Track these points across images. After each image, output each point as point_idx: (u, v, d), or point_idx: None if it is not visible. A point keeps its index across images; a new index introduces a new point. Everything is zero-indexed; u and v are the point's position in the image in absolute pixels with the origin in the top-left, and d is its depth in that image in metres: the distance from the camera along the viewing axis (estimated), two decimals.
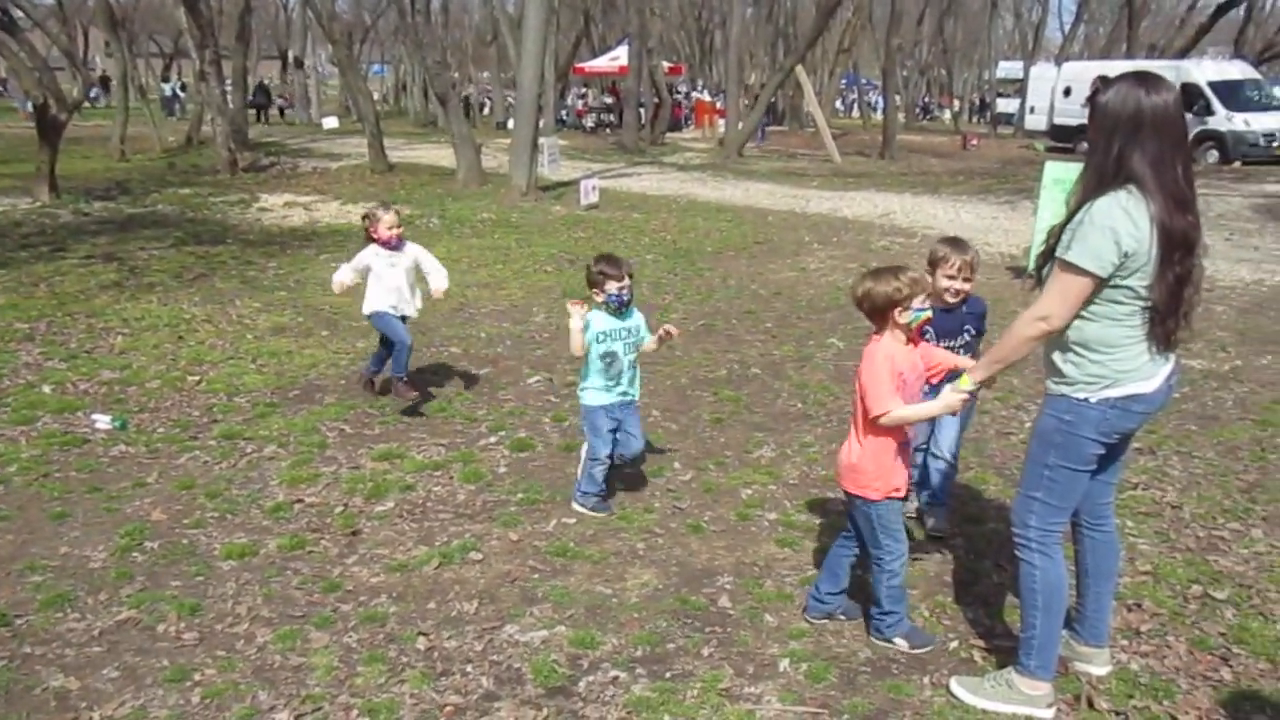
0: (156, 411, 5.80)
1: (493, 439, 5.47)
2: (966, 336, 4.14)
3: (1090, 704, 3.12)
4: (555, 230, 12.62)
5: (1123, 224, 2.68)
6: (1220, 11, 30.23)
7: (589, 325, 4.40)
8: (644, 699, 3.17)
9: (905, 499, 3.49)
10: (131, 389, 6.17)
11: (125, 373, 6.45)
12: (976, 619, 3.67)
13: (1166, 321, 2.78)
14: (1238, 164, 23.65)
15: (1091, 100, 2.90)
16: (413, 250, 5.88)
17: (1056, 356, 2.91)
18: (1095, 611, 3.22)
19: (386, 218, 5.65)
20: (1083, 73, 28.51)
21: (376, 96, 36.01)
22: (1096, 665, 3.28)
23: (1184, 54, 29.93)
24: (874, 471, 3.29)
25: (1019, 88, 39.56)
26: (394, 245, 5.71)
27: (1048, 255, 2.90)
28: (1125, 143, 2.72)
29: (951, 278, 4.04)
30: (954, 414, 3.41)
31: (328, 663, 3.35)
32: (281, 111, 40.82)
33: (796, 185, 18.99)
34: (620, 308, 4.44)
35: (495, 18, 31.66)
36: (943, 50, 47.61)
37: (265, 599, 3.77)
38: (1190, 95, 24.66)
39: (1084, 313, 2.81)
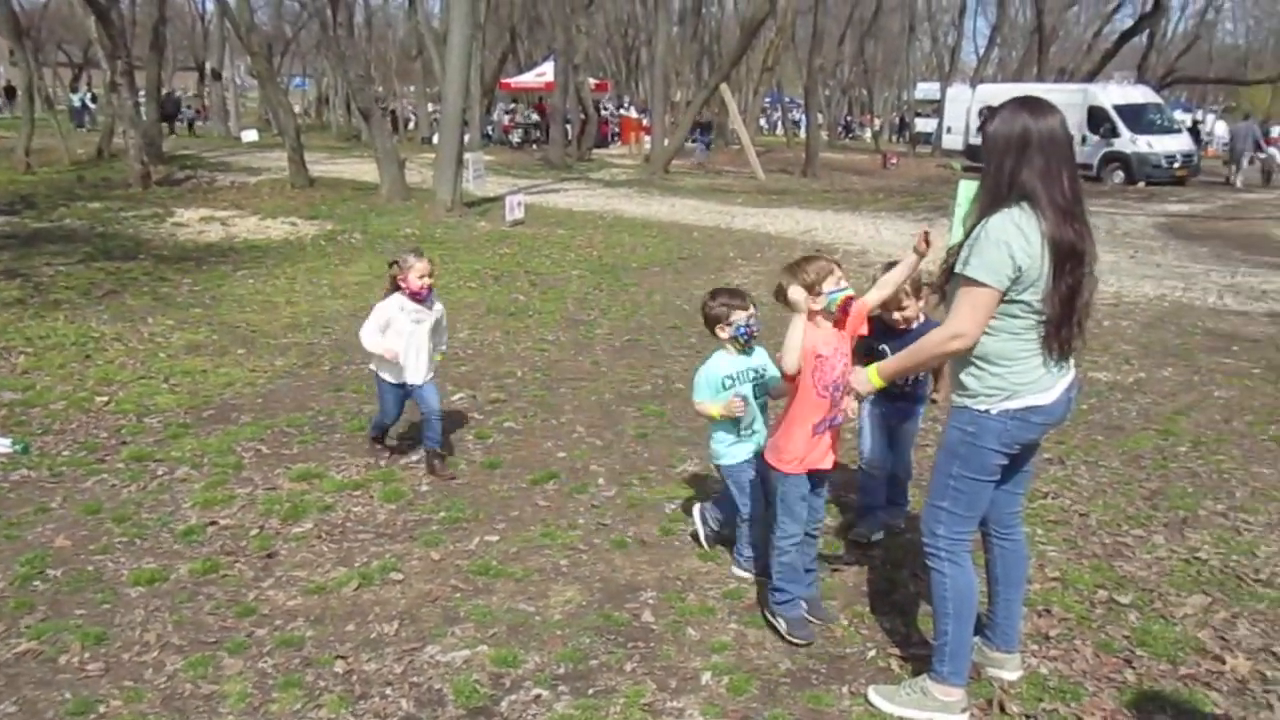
0: (61, 434, 5.60)
1: (414, 457, 5.40)
2: None
3: (1001, 708, 3.20)
4: (480, 246, 12.55)
5: (1015, 239, 2.80)
6: (1125, 38, 31.59)
7: (711, 373, 3.98)
8: (567, 716, 3.16)
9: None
10: (34, 410, 5.94)
11: (28, 394, 6.21)
12: (893, 628, 3.74)
13: (1061, 331, 2.90)
14: (1142, 185, 24.64)
15: (982, 128, 3.03)
16: (439, 306, 5.19)
17: (959, 370, 3.02)
18: (1005, 618, 3.31)
19: (419, 265, 4.91)
20: (997, 94, 29.40)
21: (298, 110, 35.41)
22: (1008, 670, 3.36)
23: (1091, 78, 31.14)
24: (787, 446, 3.52)
25: (936, 108, 40.64)
26: (423, 298, 5.03)
27: (948, 273, 3.02)
28: (1015, 163, 2.85)
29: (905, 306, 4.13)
30: (858, 399, 3.46)
31: (241, 689, 3.27)
32: (190, 124, 39.62)
33: (722, 202, 19.20)
34: (748, 341, 3.98)
35: (420, 32, 31.42)
36: (864, 70, 48.66)
37: (176, 626, 3.66)
38: (1097, 118, 25.68)
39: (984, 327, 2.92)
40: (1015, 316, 2.89)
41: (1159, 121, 26.46)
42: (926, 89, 45.86)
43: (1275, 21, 53.98)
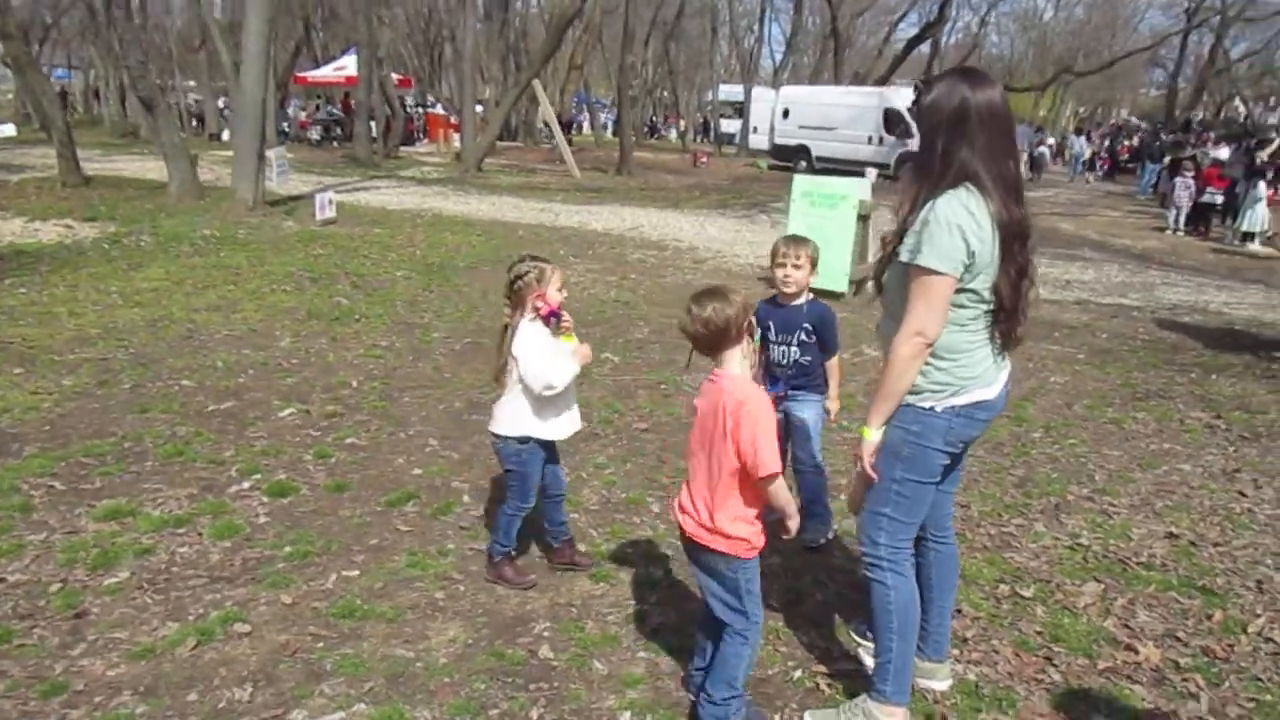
0: None
1: (246, 484, 4.72)
2: (802, 335, 4.08)
3: None
4: (290, 247, 11.59)
5: (967, 222, 2.58)
6: (912, 44, 33.43)
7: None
8: None
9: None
10: None
11: None
12: (811, 641, 3.50)
13: (1009, 319, 2.72)
14: None
15: (917, 101, 2.80)
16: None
17: None
18: (938, 626, 3.13)
19: (557, 274, 3.65)
20: (800, 96, 30.60)
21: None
22: (939, 680, 3.18)
23: (883, 82, 32.82)
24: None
25: (739, 109, 41.75)
26: (559, 316, 3.66)
27: (887, 261, 2.78)
28: (952, 140, 2.62)
29: (781, 265, 4.07)
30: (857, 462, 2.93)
31: None
32: None
33: (542, 199, 18.78)
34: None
35: (204, 22, 29.23)
36: (668, 71, 49.39)
37: None
38: (892, 120, 27.02)
39: None
40: (963, 307, 2.67)
41: None
42: (729, 90, 47.04)
43: (1035, 33, 58.95)
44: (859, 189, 9.71)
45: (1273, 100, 60.35)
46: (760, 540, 2.81)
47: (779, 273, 4.08)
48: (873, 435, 2.80)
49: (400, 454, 5.20)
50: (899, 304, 2.68)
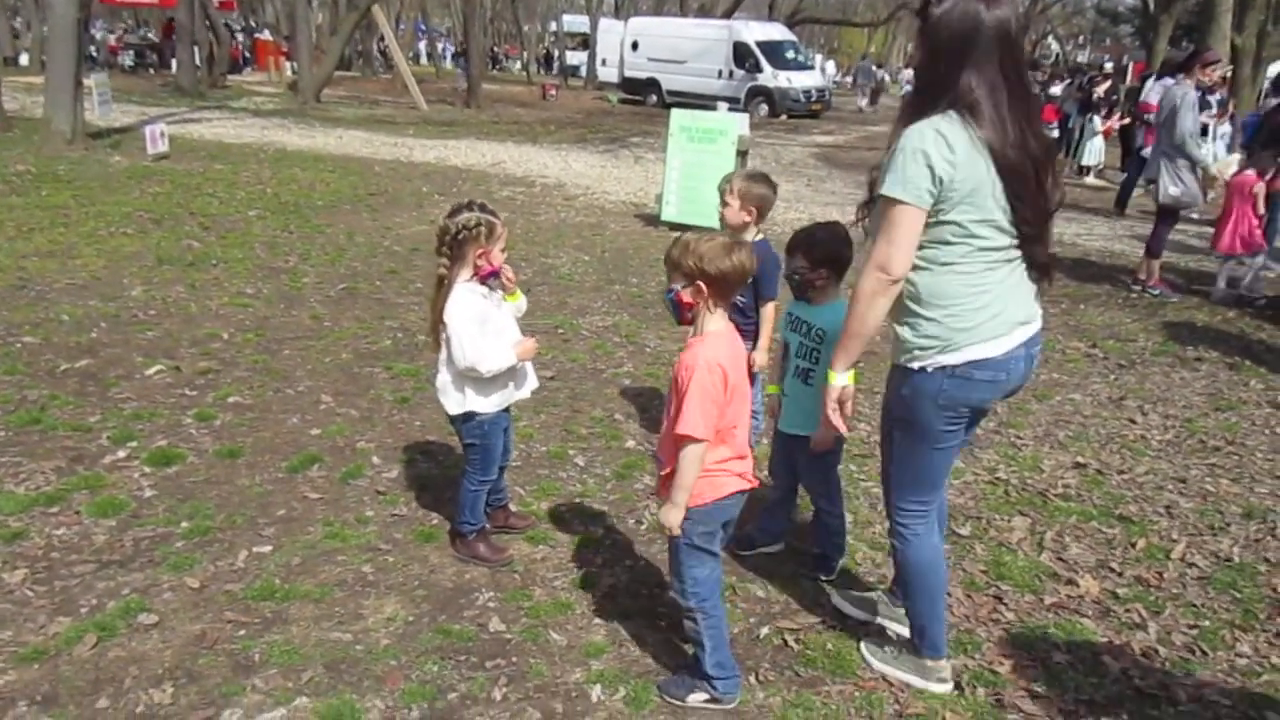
0: None
1: (121, 453, 4.23)
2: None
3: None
4: (123, 185, 10.55)
5: (934, 147, 2.36)
6: None
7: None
8: None
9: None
10: None
11: None
12: (768, 595, 3.41)
13: (1034, 250, 2.49)
14: (784, 117, 26.44)
15: (922, 14, 2.54)
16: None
17: (896, 321, 2.61)
18: None
19: (503, 230, 3.23)
20: (648, 28, 30.20)
21: None
22: (905, 625, 3.16)
23: (729, 15, 32.78)
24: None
25: (584, 41, 40.95)
26: (496, 275, 3.26)
27: (870, 199, 2.61)
28: (954, 62, 2.40)
29: (727, 205, 4.00)
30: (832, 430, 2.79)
31: None
32: None
33: (391, 133, 17.86)
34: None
35: None
36: (510, 1, 47.84)
37: None
38: (741, 54, 27.08)
39: (915, 259, 2.52)
40: (946, 243, 2.45)
41: (795, 58, 28.45)
42: (573, 21, 46.08)
43: None
44: (737, 124, 9.59)
45: (1081, 38, 64.23)
46: (720, 489, 2.63)
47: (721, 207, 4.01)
48: (836, 380, 2.62)
49: (292, 413, 4.78)
50: None
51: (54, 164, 11.50)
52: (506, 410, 3.47)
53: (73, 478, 3.97)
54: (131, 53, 31.87)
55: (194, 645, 2.97)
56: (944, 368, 2.51)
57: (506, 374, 3.31)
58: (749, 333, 4.05)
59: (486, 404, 3.31)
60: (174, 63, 25.00)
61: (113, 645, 2.95)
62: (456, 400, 3.31)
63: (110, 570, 3.35)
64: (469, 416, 3.33)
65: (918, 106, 2.47)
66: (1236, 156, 8.67)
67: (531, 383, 3.49)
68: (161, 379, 5.12)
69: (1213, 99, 11.68)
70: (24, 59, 29.18)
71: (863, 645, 3.06)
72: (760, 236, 4.03)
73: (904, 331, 2.58)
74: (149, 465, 4.13)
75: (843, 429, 2.72)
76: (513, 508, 3.86)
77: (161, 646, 2.96)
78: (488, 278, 3.22)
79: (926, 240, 2.48)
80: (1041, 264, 2.55)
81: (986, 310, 2.50)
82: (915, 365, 2.54)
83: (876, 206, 2.54)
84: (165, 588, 3.27)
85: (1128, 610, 3.38)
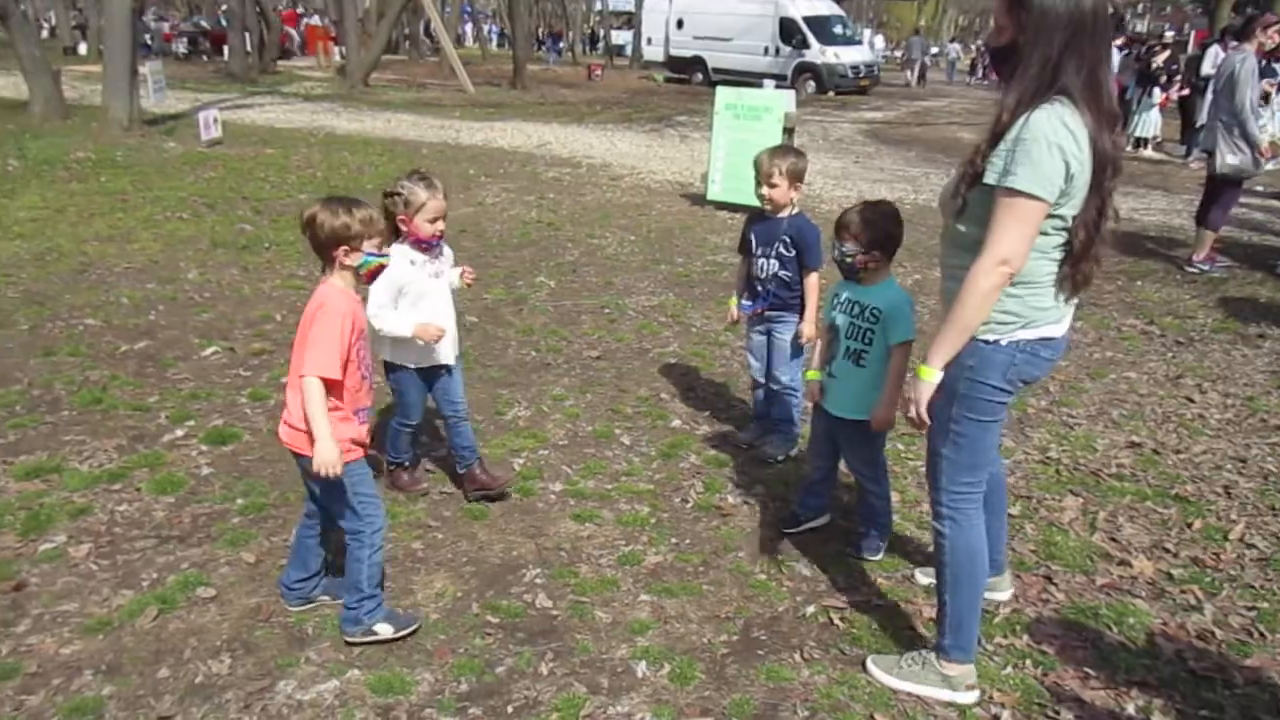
0: None
1: (180, 432, 4.34)
2: (781, 248, 4.03)
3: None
4: (178, 171, 10.76)
5: (1068, 142, 2.28)
6: None
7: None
8: None
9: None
10: None
11: None
12: (813, 574, 3.40)
13: (1083, 254, 2.43)
14: (832, 94, 26.10)
15: None
16: (449, 252, 3.67)
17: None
18: (994, 547, 3.00)
19: (433, 203, 3.37)
20: (693, 5, 29.88)
21: None
22: (1000, 591, 3.20)
23: None
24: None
25: (629, 19, 40.74)
26: (433, 246, 3.52)
27: (973, 180, 2.42)
28: (1061, 47, 2.30)
29: (761, 184, 4.02)
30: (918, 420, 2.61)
31: None
32: None
33: (438, 116, 17.97)
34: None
35: None
36: None
37: None
38: (788, 30, 26.75)
39: None
40: (1046, 234, 2.39)
41: (842, 33, 28.04)
42: (618, 1, 45.84)
43: None
44: (784, 101, 9.50)
45: (1140, 6, 62.31)
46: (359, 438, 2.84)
47: (760, 190, 4.00)
48: (933, 376, 2.48)
49: None
50: (978, 232, 2.39)
51: (112, 150, 11.75)
52: (434, 371, 3.66)
53: (133, 456, 4.09)
54: (185, 39, 32.41)
55: (250, 618, 3.05)
56: (1017, 342, 2.48)
57: (416, 343, 3.51)
58: (794, 305, 4.05)
59: (399, 358, 3.62)
60: (225, 50, 25.39)
61: (172, 617, 3.04)
62: (385, 347, 3.60)
63: (170, 545, 3.45)
64: (388, 366, 3.66)
65: (1024, 92, 2.35)
66: None
67: (445, 358, 3.64)
68: (217, 360, 5.24)
69: (1278, 65, 11.30)
70: (83, 48, 29.80)
71: (870, 665, 2.89)
72: (796, 211, 4.03)
73: None
74: (206, 444, 4.24)
75: (927, 423, 2.61)
76: (512, 468, 4.09)
77: (219, 619, 3.04)
78: (420, 245, 3.45)
79: None
80: (1082, 260, 2.47)
81: (1059, 294, 2.48)
82: (990, 338, 2.48)
83: (975, 194, 2.43)
84: (222, 562, 3.35)
85: (1183, 592, 3.32)
